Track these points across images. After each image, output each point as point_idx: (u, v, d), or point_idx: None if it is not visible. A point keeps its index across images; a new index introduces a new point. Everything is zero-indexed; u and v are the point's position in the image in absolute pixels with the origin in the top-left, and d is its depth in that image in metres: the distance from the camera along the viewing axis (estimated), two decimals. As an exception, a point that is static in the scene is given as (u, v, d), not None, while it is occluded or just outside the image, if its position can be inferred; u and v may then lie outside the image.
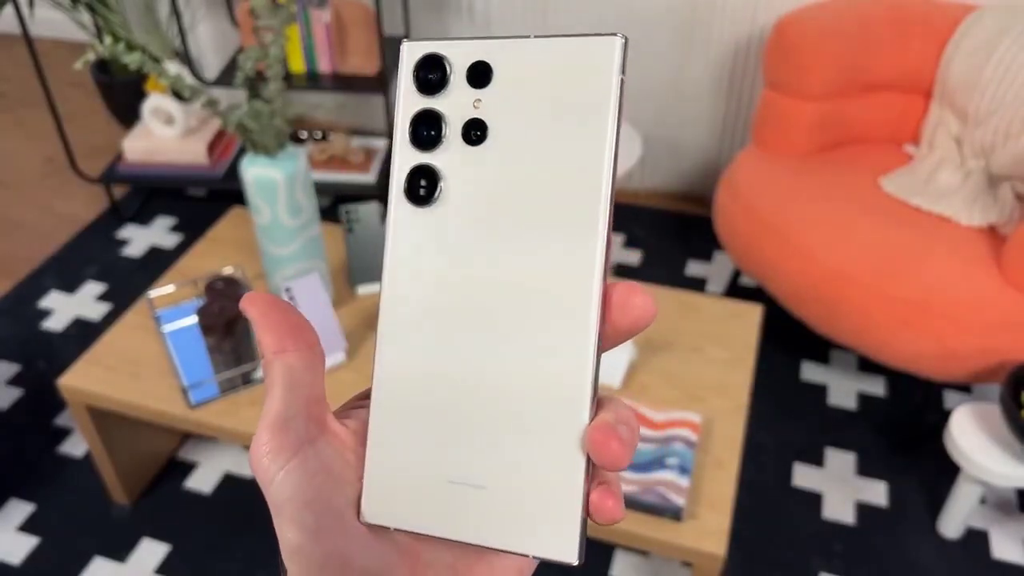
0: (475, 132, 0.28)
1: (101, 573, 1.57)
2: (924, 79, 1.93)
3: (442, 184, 0.28)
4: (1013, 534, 1.64)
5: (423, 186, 0.28)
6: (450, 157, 0.28)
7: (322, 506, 0.27)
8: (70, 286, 2.23)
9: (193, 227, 2.40)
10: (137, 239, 2.39)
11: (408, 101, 0.29)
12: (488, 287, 0.28)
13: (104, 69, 2.64)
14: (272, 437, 0.27)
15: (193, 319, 1.49)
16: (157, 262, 2.28)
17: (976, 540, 1.63)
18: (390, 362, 0.29)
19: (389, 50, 2.36)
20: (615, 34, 0.27)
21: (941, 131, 1.92)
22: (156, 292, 1.59)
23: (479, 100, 0.28)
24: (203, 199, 2.55)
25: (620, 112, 0.27)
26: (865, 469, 1.76)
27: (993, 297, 1.59)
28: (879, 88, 1.95)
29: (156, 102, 2.32)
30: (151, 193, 2.55)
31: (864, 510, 1.68)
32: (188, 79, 1.68)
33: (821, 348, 2.02)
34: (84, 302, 2.17)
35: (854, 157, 1.95)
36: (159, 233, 2.42)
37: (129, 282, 2.22)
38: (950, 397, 1.92)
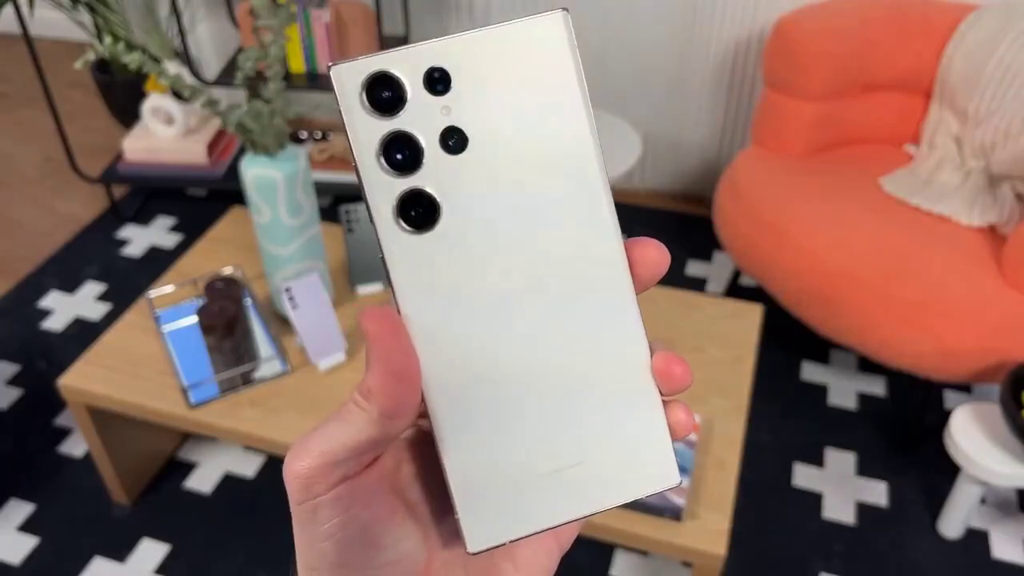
0: (452, 140, 0.27)
1: (101, 573, 1.57)
2: (924, 79, 1.93)
3: (440, 201, 0.27)
4: (1013, 534, 1.64)
5: (420, 210, 0.27)
6: (437, 172, 0.27)
7: (344, 541, 0.27)
8: (70, 286, 2.23)
9: (193, 227, 2.40)
10: (137, 239, 2.39)
11: (365, 128, 0.27)
12: (518, 281, 0.28)
13: (104, 69, 2.64)
14: (317, 469, 0.26)
15: (193, 319, 1.50)
16: (157, 262, 2.28)
17: (976, 540, 1.63)
18: (446, 398, 0.28)
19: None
20: (558, 10, 0.27)
21: (941, 131, 1.92)
22: (156, 292, 1.59)
23: (447, 107, 0.27)
24: (203, 199, 2.55)
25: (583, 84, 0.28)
26: (865, 469, 1.76)
27: (993, 297, 1.59)
28: (879, 88, 1.95)
29: (156, 102, 2.32)
30: (151, 193, 2.55)
31: (864, 510, 1.68)
32: (188, 79, 1.69)
33: (821, 348, 2.02)
34: (84, 302, 2.17)
35: (854, 157, 1.95)
36: (159, 233, 2.42)
37: (129, 282, 2.22)
38: (950, 397, 1.92)
